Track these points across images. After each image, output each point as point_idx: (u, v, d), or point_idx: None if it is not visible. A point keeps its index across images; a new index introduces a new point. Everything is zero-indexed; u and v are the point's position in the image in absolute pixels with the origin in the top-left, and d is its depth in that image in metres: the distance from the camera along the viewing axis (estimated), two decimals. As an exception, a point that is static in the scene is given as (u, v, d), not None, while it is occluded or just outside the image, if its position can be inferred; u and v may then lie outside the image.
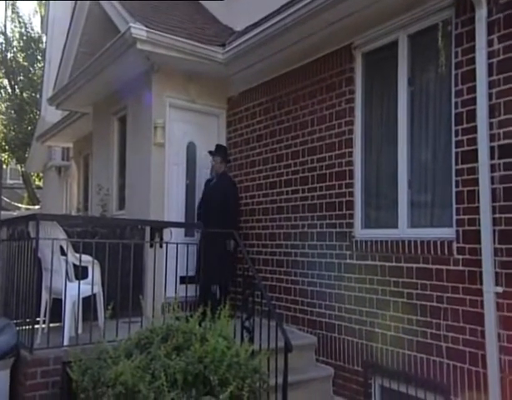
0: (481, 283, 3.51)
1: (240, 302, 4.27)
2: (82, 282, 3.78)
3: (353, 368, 4.49)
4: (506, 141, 3.52)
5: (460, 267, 3.73)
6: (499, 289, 3.40)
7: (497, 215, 3.51)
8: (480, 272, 3.52)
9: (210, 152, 6.04)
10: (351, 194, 4.82)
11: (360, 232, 4.73)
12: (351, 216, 4.79)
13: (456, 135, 3.88)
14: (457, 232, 3.79)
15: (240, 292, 4.31)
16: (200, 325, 3.27)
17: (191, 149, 6.40)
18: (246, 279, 4.31)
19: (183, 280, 4.51)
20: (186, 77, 6.12)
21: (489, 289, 3.43)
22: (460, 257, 3.74)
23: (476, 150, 3.65)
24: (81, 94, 7.22)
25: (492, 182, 3.55)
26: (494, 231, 3.50)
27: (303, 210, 5.31)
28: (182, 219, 6.09)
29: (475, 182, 3.65)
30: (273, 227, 5.69)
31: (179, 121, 6.24)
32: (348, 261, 4.71)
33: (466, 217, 3.73)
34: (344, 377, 4.56)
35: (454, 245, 3.79)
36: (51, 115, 10.97)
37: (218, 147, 6.15)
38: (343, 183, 4.89)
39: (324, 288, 4.93)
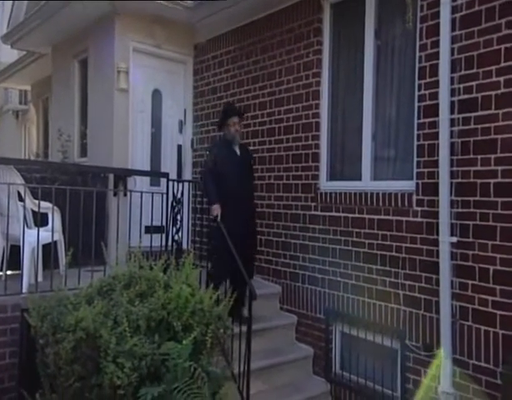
0: (437, 234, 3.65)
1: (206, 252, 4.30)
2: (41, 229, 3.71)
3: (315, 316, 4.66)
4: (466, 96, 3.59)
5: (419, 219, 3.86)
6: (454, 239, 3.55)
7: (454, 168, 3.61)
8: (437, 224, 3.66)
9: (238, 113, 4.77)
10: (317, 146, 4.85)
11: (325, 184, 4.79)
12: (317, 168, 4.84)
13: (419, 89, 3.92)
14: (417, 184, 3.89)
15: (206, 243, 4.33)
16: (164, 273, 3.28)
17: (156, 97, 6.22)
18: (211, 230, 4.33)
19: (148, 230, 4.49)
20: (151, 20, 5.86)
21: (445, 239, 3.57)
22: (419, 208, 3.86)
23: (437, 104, 3.70)
24: (38, 33, 6.81)
25: (451, 136, 3.62)
26: (451, 183, 3.60)
27: (269, 162, 5.32)
28: (147, 168, 5.99)
29: (436, 136, 3.72)
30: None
31: (144, 66, 6.03)
32: (312, 212, 4.79)
33: (426, 170, 3.83)
34: (307, 325, 4.73)
35: (414, 197, 3.90)
36: (6, 55, 10.33)
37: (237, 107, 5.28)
38: (310, 135, 4.91)
39: (289, 239, 5.02)
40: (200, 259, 4.24)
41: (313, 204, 4.79)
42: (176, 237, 4.44)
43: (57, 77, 7.34)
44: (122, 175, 4.34)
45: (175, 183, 4.67)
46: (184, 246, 4.82)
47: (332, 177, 4.81)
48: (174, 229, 4.47)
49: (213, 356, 3.05)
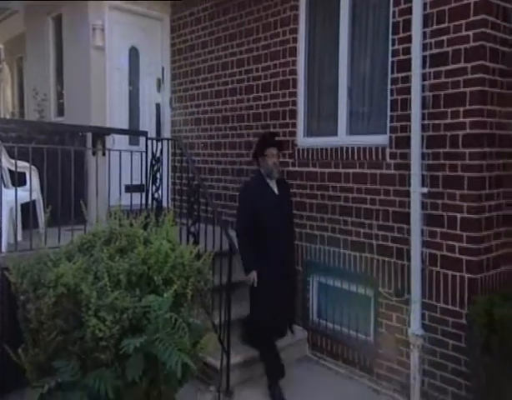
0: (409, 185, 3.66)
1: (185, 210, 4.26)
2: (19, 188, 3.61)
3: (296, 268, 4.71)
4: (437, 50, 3.55)
5: (392, 171, 3.87)
6: (425, 190, 3.58)
7: (426, 122, 3.60)
8: (409, 175, 3.67)
9: (278, 144, 4.10)
10: (294, 103, 4.78)
11: (302, 141, 4.75)
12: (294, 125, 4.78)
13: (393, 44, 3.86)
14: (390, 138, 3.89)
15: (185, 201, 4.28)
16: (145, 230, 3.25)
17: (133, 54, 6.02)
18: (191, 187, 4.27)
19: (128, 188, 4.42)
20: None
21: (416, 190, 3.60)
22: (392, 161, 3.87)
23: (410, 59, 3.65)
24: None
25: (423, 90, 3.60)
26: (422, 136, 3.61)
27: (248, 119, 5.23)
28: (125, 127, 5.84)
29: (408, 90, 3.68)
30: (219, 137, 5.61)
31: (120, 23, 5.79)
32: (290, 168, 4.76)
33: (399, 124, 3.81)
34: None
35: (388, 150, 3.90)
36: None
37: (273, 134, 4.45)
38: (287, 92, 4.82)
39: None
40: (180, 217, 4.22)
41: (290, 160, 4.76)
42: (156, 196, 4.38)
43: (30, 35, 7.00)
44: (101, 134, 4.22)
45: (154, 142, 4.56)
46: (164, 204, 4.78)
47: (309, 133, 4.76)
48: (154, 187, 4.40)
49: (194, 308, 3.07)
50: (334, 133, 4.45)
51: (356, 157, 4.15)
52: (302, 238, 4.63)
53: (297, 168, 4.70)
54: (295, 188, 4.67)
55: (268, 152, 3.90)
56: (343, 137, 4.38)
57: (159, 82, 6.23)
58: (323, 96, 4.65)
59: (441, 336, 3.49)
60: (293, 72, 4.76)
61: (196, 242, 3.83)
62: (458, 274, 3.42)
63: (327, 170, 4.42)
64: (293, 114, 4.77)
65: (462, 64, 3.41)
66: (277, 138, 4.31)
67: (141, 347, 2.45)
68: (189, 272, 2.99)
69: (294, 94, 4.77)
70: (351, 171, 4.19)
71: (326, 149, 4.42)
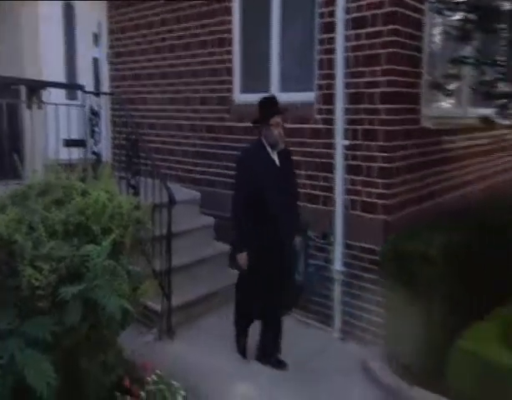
0: (334, 138, 3.70)
1: (125, 164, 4.08)
2: None
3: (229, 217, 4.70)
4: (358, 14, 3.54)
5: (319, 126, 3.89)
6: (346, 142, 3.64)
7: (348, 80, 3.61)
8: (333, 129, 3.70)
9: (275, 109, 3.29)
10: (230, 61, 4.63)
11: (239, 97, 4.64)
12: (230, 81, 4.65)
13: (320, 7, 3.78)
14: (318, 95, 3.88)
15: (125, 155, 4.09)
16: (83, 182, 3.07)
17: (68, 7, 5.48)
18: (130, 142, 4.07)
19: (67, 143, 4.14)
20: None
21: (339, 142, 3.66)
22: (319, 116, 3.88)
23: (334, 22, 3.62)
24: None
25: (346, 51, 3.58)
26: (345, 94, 3.62)
27: (186, 75, 5.01)
28: (61, 81, 5.38)
29: (333, 50, 3.66)
30: (158, 92, 5.34)
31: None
32: (226, 123, 4.66)
33: (325, 82, 3.79)
34: (225, 225, 4.70)
35: (315, 107, 3.89)
36: None
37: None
38: (224, 51, 4.65)
39: (206, 149, 4.90)
40: (122, 171, 4.04)
41: (227, 116, 4.66)
42: (95, 150, 4.14)
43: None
44: (35, 87, 3.85)
45: (92, 96, 4.27)
46: (105, 158, 4.54)
47: (245, 90, 4.64)
48: (93, 141, 4.15)
49: (134, 256, 2.99)
50: (268, 90, 4.37)
51: (288, 112, 4.11)
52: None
53: (234, 123, 4.61)
54: (232, 142, 4.61)
55: (273, 121, 3.19)
56: (276, 94, 4.31)
57: (96, 37, 5.77)
58: (258, 55, 4.50)
59: (359, 271, 3.66)
60: (229, 31, 4.57)
61: (136, 194, 3.71)
62: (374, 217, 3.57)
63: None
64: (230, 72, 4.63)
65: (378, 28, 3.43)
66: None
67: (79, 293, 2.35)
68: (128, 222, 2.87)
69: (230, 52, 4.61)
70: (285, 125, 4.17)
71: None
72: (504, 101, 3.13)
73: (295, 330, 3.81)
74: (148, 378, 2.52)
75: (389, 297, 3.17)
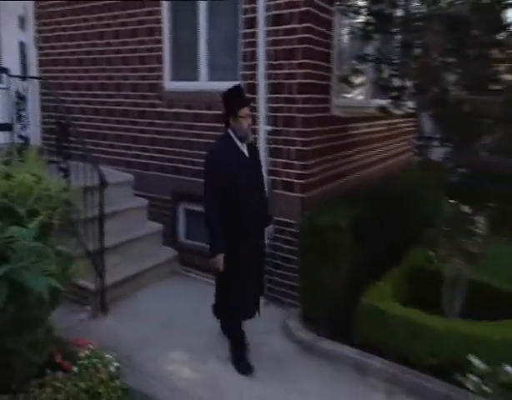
0: (257, 124, 3.70)
1: (56, 148, 3.77)
2: None
3: (163, 198, 4.57)
4: (277, 12, 3.56)
5: (244, 113, 3.86)
6: (269, 128, 3.69)
7: (269, 71, 3.64)
8: (257, 116, 3.71)
9: (243, 100, 2.97)
10: (160, 50, 4.44)
11: (169, 84, 4.47)
12: (160, 69, 4.47)
13: (244, 3, 3.75)
14: (242, 84, 3.82)
15: (56, 139, 3.76)
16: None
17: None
18: (60, 126, 3.74)
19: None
20: None
21: (262, 128, 3.69)
22: (244, 104, 3.85)
23: (256, 18, 3.62)
24: None
25: (267, 45, 3.59)
26: (266, 84, 3.64)
27: (117, 62, 4.72)
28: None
29: (255, 44, 3.66)
30: (89, 78, 4.97)
31: None
32: (158, 109, 4.48)
33: (249, 72, 3.79)
34: (157, 206, 4.64)
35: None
36: None
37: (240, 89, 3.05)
38: (154, 39, 4.42)
39: (138, 133, 4.69)
40: (53, 154, 3.73)
41: (158, 102, 4.47)
42: (22, 134, 3.77)
43: None
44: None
45: (18, 80, 3.85)
46: (34, 142, 4.15)
47: (175, 78, 4.48)
48: (20, 126, 3.77)
49: (64, 237, 2.79)
50: (197, 79, 4.26)
51: (215, 100, 4.03)
52: (170, 171, 4.48)
53: (164, 109, 4.44)
54: (163, 127, 4.45)
55: (242, 112, 2.86)
56: (204, 83, 4.22)
57: (22, 21, 5.19)
58: (187, 44, 4.35)
59: (280, 243, 3.77)
60: (158, 21, 4.37)
61: (66, 177, 3.45)
62: (293, 194, 3.66)
63: (191, 111, 4.26)
64: (160, 60, 4.44)
65: (294, 25, 3.48)
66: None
67: (5, 275, 2.15)
68: (56, 203, 2.66)
69: (160, 41, 4.42)
70: (212, 112, 4.10)
71: (190, 92, 4.24)
72: (397, 93, 3.32)
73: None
74: (81, 354, 2.38)
75: (304, 264, 3.29)
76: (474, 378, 2.58)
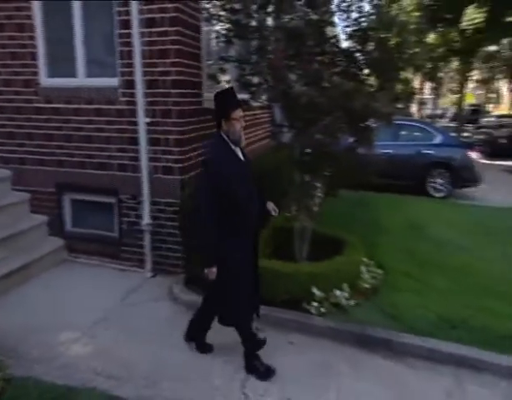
0: (137, 117, 4.14)
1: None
2: None
3: (47, 191, 4.66)
4: (150, 15, 4.00)
5: (124, 106, 4.26)
6: (148, 120, 4.13)
7: (146, 69, 4.08)
8: (136, 109, 4.14)
9: (237, 102, 2.81)
10: (34, 46, 4.54)
11: (46, 80, 4.59)
12: (35, 66, 4.56)
13: (118, 6, 4.10)
14: (121, 81, 4.23)
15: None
16: None
17: None
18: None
19: None
20: None
21: (141, 120, 4.12)
22: (123, 99, 4.25)
23: (130, 20, 4.01)
24: None
25: (142, 45, 4.03)
26: (143, 80, 4.09)
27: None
28: None
29: (131, 44, 4.05)
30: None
31: None
32: (35, 105, 4.57)
33: (126, 69, 4.18)
34: (40, 199, 4.68)
35: (119, 90, 4.25)
36: None
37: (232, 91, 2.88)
38: (26, 36, 4.52)
39: (16, 129, 4.70)
40: None
41: (35, 98, 4.57)
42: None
43: None
44: None
45: None
46: None
47: (52, 74, 4.60)
48: None
49: None
50: (75, 75, 4.47)
51: (95, 95, 4.35)
52: (54, 165, 4.60)
53: (42, 104, 4.56)
54: (42, 122, 4.56)
55: (235, 114, 2.74)
56: (82, 79, 4.45)
57: None
58: (62, 44, 4.49)
59: (164, 221, 4.26)
60: (29, 18, 4.46)
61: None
62: (173, 177, 4.19)
63: (71, 106, 4.46)
64: (34, 56, 4.53)
65: (166, 28, 3.98)
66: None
67: None
68: None
69: (33, 38, 4.51)
70: (92, 106, 4.37)
71: (69, 89, 4.43)
72: (255, 89, 4.07)
73: (114, 275, 4.14)
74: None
75: (185, 234, 3.85)
76: (315, 304, 3.46)
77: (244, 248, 2.80)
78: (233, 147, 2.78)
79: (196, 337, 3.15)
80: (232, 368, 2.93)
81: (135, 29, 4.01)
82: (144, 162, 4.19)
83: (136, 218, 4.34)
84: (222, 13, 4.08)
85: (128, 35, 4.08)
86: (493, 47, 17.95)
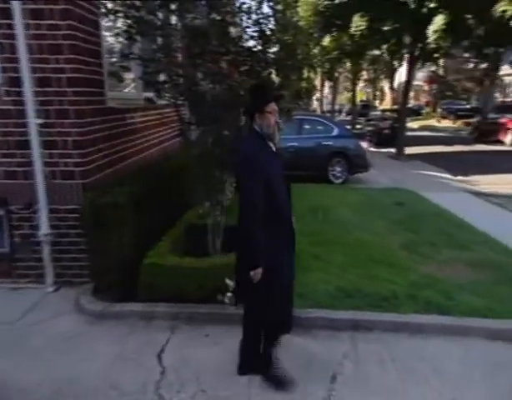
0: (26, 118, 3.77)
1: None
2: None
3: None
4: (35, 6, 3.69)
5: (9, 106, 3.84)
6: (40, 121, 3.79)
7: (35, 65, 3.75)
8: (25, 110, 3.77)
9: (270, 95, 2.73)
10: None
11: None
12: None
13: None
14: (4, 78, 3.80)
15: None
16: None
17: None
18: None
19: None
20: None
21: (32, 121, 3.77)
22: (9, 98, 3.83)
23: (11, 8, 3.63)
24: None
25: (28, 38, 3.69)
26: (32, 77, 3.74)
27: None
28: None
29: (14, 36, 3.68)
30: None
31: None
32: None
33: (11, 65, 3.77)
34: None
35: (2, 89, 3.81)
36: None
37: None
38: None
39: None
40: None
41: None
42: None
43: None
44: None
45: None
46: None
47: None
48: None
49: None
50: None
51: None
52: None
53: None
54: None
55: (270, 107, 2.61)
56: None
57: None
58: None
59: (66, 229, 3.96)
60: None
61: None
62: (73, 182, 3.91)
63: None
64: None
65: (58, 21, 3.69)
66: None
67: None
68: None
69: None
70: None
71: None
72: (160, 87, 3.99)
73: (5, 298, 3.79)
74: None
75: (91, 241, 3.64)
76: (229, 294, 3.55)
77: (285, 260, 2.68)
78: (269, 143, 2.65)
79: (257, 366, 2.85)
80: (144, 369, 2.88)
81: (18, 20, 3.63)
82: (38, 167, 3.84)
83: (31, 229, 3.96)
84: (119, 8, 3.92)
85: (10, 26, 3.69)
86: (376, 52, 20.12)
